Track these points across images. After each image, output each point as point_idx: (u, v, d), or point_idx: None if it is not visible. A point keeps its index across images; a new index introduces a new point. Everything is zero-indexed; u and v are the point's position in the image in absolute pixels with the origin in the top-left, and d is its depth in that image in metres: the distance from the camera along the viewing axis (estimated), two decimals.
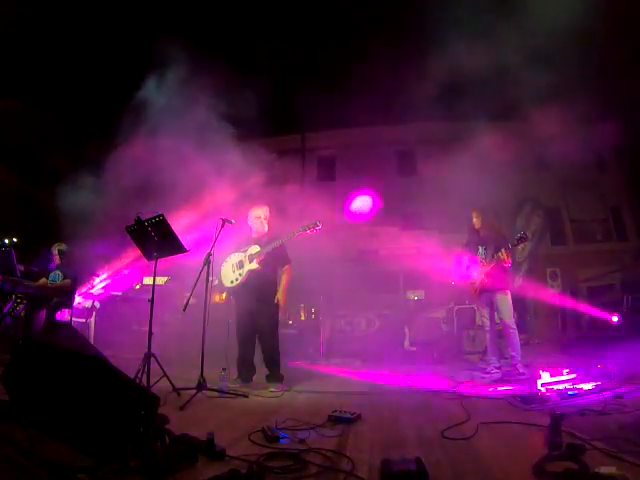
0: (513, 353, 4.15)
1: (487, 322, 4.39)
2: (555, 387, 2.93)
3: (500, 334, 4.38)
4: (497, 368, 4.23)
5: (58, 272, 5.18)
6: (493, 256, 4.16)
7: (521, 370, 4.05)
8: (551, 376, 3.18)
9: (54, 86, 9.07)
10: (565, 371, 3.20)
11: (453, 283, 7.86)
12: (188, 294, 4.23)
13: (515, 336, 4.15)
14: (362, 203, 9.92)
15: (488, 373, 4.18)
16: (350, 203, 10.28)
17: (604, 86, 5.70)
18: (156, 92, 5.91)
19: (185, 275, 4.94)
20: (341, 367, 5.45)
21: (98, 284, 6.51)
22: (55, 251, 5.30)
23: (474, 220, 4.52)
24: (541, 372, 3.32)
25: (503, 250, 4.07)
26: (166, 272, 6.17)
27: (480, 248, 4.39)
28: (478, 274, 4.33)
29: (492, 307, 4.32)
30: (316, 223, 3.58)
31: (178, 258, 3.84)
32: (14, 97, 9.29)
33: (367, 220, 10.09)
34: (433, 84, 6.37)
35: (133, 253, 6.22)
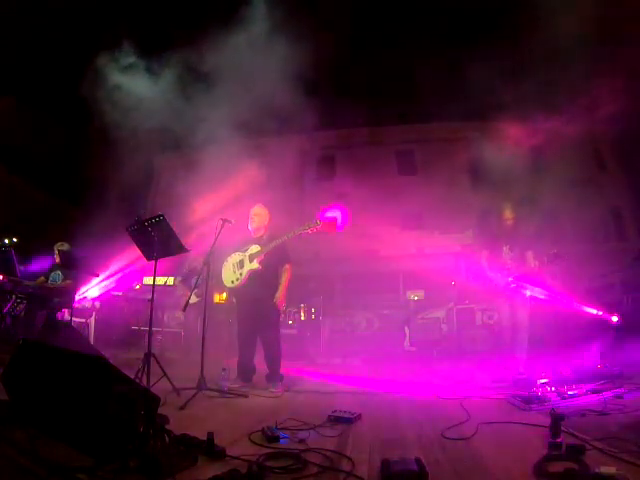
0: (518, 355, 4.15)
1: (504, 321, 4.33)
2: (555, 387, 2.93)
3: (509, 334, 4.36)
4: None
5: (58, 272, 5.18)
6: (520, 258, 4.12)
7: (521, 370, 4.06)
8: (550, 376, 3.19)
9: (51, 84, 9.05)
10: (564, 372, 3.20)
11: (453, 283, 7.88)
12: (189, 294, 4.25)
13: (525, 338, 4.15)
14: (333, 216, 9.98)
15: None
16: (322, 214, 10.30)
17: (603, 83, 5.71)
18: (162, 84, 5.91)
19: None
20: (341, 367, 5.45)
21: (96, 285, 6.51)
22: (56, 251, 5.30)
23: (507, 215, 4.29)
24: (542, 373, 3.33)
25: (531, 254, 4.03)
26: None
27: (505, 247, 4.25)
28: (502, 275, 4.23)
29: (510, 308, 4.27)
30: (316, 222, 3.58)
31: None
32: (12, 95, 9.29)
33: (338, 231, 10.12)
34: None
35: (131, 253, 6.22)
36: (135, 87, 5.79)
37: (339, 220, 9.68)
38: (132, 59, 5.74)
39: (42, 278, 5.14)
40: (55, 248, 5.32)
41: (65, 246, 5.35)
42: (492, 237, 4.51)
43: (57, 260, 5.28)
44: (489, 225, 4.60)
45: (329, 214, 9.58)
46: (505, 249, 4.27)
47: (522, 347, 4.14)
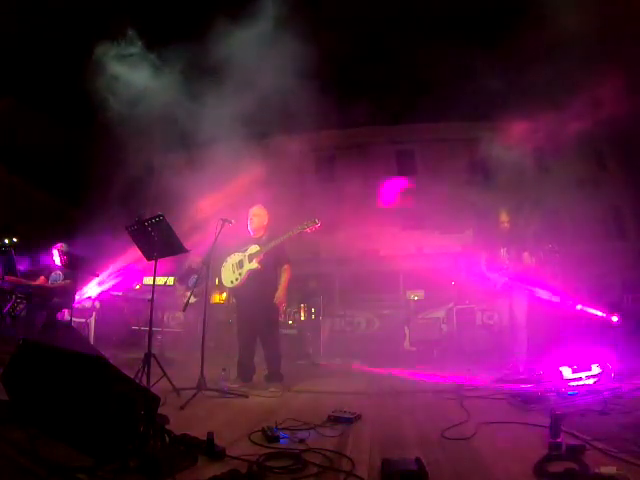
0: (518, 354, 4.17)
1: (504, 321, 4.38)
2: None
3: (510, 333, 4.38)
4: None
5: (59, 272, 5.17)
6: (517, 259, 4.18)
7: (521, 369, 4.08)
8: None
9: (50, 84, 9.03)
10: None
11: (453, 283, 7.88)
12: (188, 294, 4.25)
13: (525, 338, 4.18)
14: (391, 187, 10.24)
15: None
16: (382, 190, 10.50)
17: (603, 84, 5.71)
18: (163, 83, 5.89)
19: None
20: (341, 367, 5.45)
21: (96, 285, 6.50)
22: (55, 251, 5.30)
23: (503, 220, 4.45)
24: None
25: (528, 254, 4.09)
26: None
27: (502, 250, 4.35)
28: (499, 275, 4.31)
29: (509, 307, 4.32)
30: (315, 221, 3.57)
31: None
32: (12, 95, 9.28)
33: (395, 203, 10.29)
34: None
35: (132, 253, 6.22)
36: (136, 85, 5.77)
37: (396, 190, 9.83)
38: (133, 56, 5.73)
39: (42, 278, 5.13)
40: (54, 248, 5.32)
41: (64, 247, 5.35)
42: (490, 240, 4.58)
43: (56, 260, 5.28)
44: (487, 227, 4.67)
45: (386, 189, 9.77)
46: (502, 251, 4.35)
47: (522, 347, 4.15)
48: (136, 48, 5.70)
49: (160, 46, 5.90)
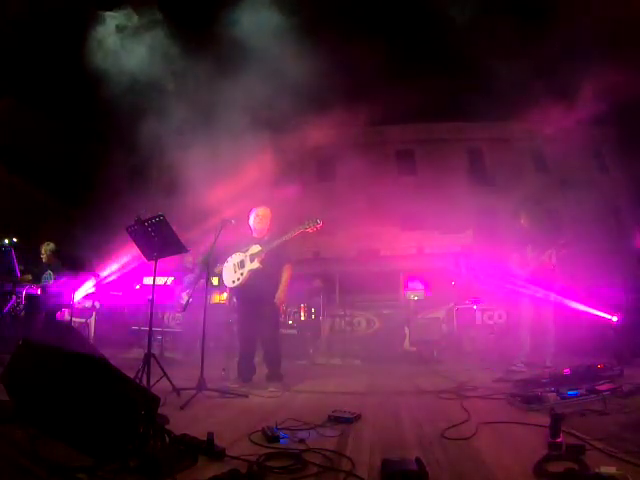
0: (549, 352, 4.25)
1: (526, 321, 4.41)
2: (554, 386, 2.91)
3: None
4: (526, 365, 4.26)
5: (49, 272, 5.14)
6: (540, 257, 4.28)
7: (519, 367, 4.12)
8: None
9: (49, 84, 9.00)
10: None
11: (453, 283, 7.88)
12: (186, 295, 4.25)
13: (553, 336, 4.26)
14: None
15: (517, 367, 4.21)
16: None
17: (603, 85, 5.71)
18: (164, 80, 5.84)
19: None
20: (341, 367, 5.45)
21: (96, 284, 6.49)
22: (43, 251, 5.27)
23: (522, 219, 4.58)
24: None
25: (549, 252, 4.19)
26: None
27: (528, 247, 4.47)
28: (525, 272, 4.41)
29: (533, 306, 4.37)
30: (316, 221, 3.58)
31: None
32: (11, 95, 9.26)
33: None
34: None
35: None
36: (139, 75, 5.70)
37: None
38: (136, 53, 5.67)
39: (29, 276, 5.07)
40: (42, 248, 5.29)
41: (52, 245, 5.33)
42: (517, 240, 4.65)
43: (45, 260, 5.25)
44: (492, 226, 4.74)
45: None
46: (528, 249, 4.47)
47: (550, 345, 4.22)
48: (140, 31, 5.61)
49: (169, 28, 5.77)
